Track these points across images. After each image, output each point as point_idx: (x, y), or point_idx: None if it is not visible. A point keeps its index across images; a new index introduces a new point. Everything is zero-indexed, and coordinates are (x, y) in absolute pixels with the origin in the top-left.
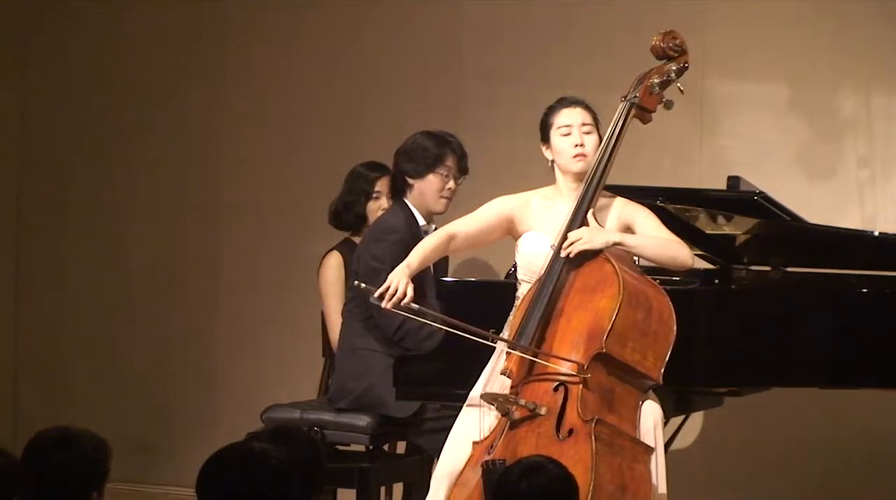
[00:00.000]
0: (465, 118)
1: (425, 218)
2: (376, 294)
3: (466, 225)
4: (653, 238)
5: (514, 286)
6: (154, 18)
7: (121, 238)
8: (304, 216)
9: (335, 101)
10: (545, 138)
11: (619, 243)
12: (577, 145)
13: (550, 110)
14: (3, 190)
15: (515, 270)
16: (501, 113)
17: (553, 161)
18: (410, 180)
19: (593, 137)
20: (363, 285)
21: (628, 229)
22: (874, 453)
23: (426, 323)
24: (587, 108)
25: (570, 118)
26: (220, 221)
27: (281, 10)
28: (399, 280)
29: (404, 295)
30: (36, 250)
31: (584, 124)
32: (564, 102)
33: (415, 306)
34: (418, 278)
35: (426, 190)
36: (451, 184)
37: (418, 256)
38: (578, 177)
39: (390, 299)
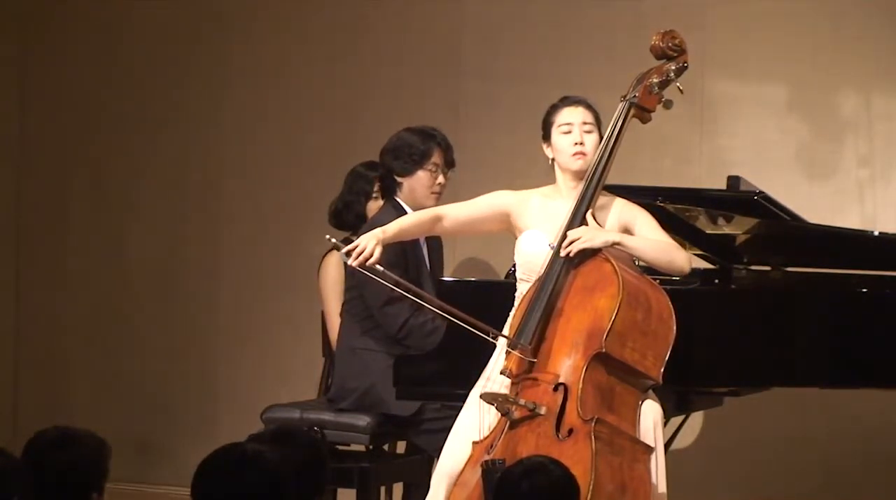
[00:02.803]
0: (465, 118)
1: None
2: (344, 250)
3: (459, 209)
4: (652, 241)
5: (515, 286)
6: (154, 18)
7: (121, 238)
8: (304, 216)
9: (335, 101)
10: (546, 136)
11: (618, 243)
12: (576, 144)
13: (553, 109)
14: (3, 190)
15: (515, 270)
16: (501, 113)
17: (553, 160)
18: (399, 178)
19: (594, 137)
20: (333, 239)
21: (627, 231)
22: (874, 453)
23: (423, 311)
24: (589, 107)
25: (571, 117)
26: (220, 221)
27: (281, 10)
28: (368, 241)
29: (371, 255)
30: (36, 250)
31: (585, 123)
32: (567, 101)
33: (379, 268)
34: (415, 279)
35: (416, 187)
36: (441, 179)
37: (396, 225)
38: (578, 176)
39: (357, 257)
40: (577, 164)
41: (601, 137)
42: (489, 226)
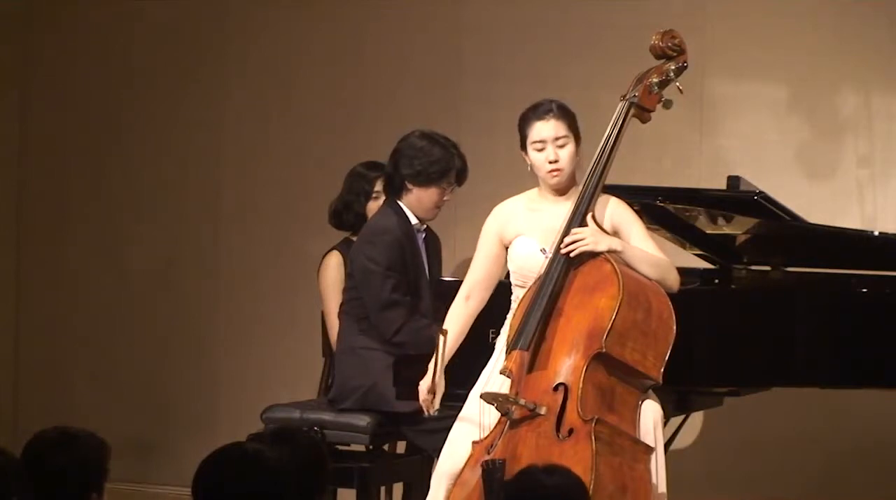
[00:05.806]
0: (465, 118)
1: (417, 217)
2: (426, 415)
3: (474, 276)
4: (651, 256)
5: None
6: (155, 18)
7: (121, 238)
8: (304, 216)
9: (335, 101)
10: (523, 147)
11: (619, 252)
12: (551, 162)
13: (525, 120)
14: (3, 190)
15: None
16: (501, 113)
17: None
18: (411, 186)
19: (568, 149)
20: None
21: (616, 231)
22: (874, 452)
23: (429, 328)
24: (560, 116)
25: (543, 132)
26: (220, 221)
27: (281, 11)
28: (424, 399)
29: (432, 403)
30: (36, 250)
31: (557, 138)
32: (538, 113)
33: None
34: (414, 281)
35: (425, 199)
36: (448, 196)
37: (441, 359)
38: (557, 188)
39: (429, 407)
40: (554, 180)
41: (578, 141)
42: (503, 259)
